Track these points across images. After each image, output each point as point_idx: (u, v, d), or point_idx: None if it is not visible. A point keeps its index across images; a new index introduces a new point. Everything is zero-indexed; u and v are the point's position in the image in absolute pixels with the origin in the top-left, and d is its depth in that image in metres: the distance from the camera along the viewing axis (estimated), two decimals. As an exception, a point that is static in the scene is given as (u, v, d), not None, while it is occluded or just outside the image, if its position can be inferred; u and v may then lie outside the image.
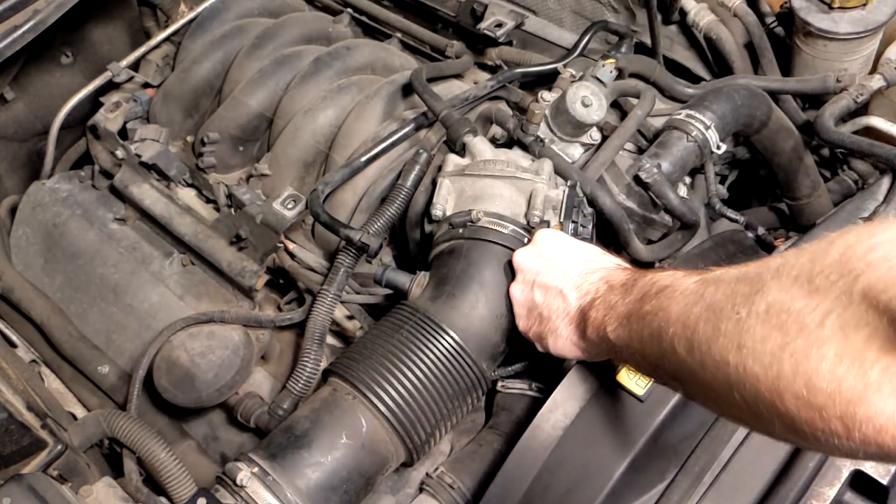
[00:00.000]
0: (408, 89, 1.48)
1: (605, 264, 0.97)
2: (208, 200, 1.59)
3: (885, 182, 1.28)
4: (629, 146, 1.35)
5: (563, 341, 0.97)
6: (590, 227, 1.19)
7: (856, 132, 1.42)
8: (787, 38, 1.54)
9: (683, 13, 1.59)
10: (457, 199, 1.21)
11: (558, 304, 0.97)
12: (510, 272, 1.09)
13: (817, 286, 0.56)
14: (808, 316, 0.56)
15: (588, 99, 1.24)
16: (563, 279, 0.97)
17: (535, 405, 1.17)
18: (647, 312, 0.75)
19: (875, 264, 0.53)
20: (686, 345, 0.67)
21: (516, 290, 1.06)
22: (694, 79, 1.56)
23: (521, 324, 1.06)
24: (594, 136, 1.30)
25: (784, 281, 0.58)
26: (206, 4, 1.77)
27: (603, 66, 1.33)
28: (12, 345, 1.44)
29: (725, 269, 0.68)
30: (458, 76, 1.62)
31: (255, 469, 0.97)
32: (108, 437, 1.23)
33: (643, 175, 1.22)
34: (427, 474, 1.18)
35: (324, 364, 1.25)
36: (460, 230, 1.16)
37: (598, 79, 1.30)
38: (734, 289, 0.63)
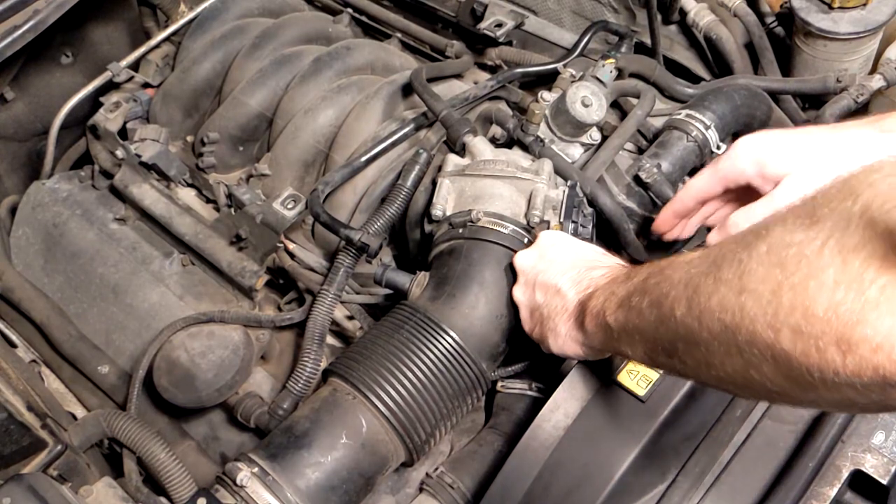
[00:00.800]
0: (408, 89, 1.48)
1: (607, 264, 0.96)
2: (208, 200, 1.59)
3: (885, 182, 1.27)
4: (629, 146, 1.35)
5: (562, 339, 0.97)
6: (590, 227, 1.19)
7: (856, 132, 1.42)
8: (787, 38, 1.54)
9: (683, 13, 1.59)
10: (457, 199, 1.21)
11: (557, 302, 0.97)
12: (510, 272, 1.09)
13: (818, 217, 0.54)
14: (807, 247, 0.54)
15: (588, 99, 1.24)
16: (562, 277, 0.97)
17: (536, 405, 1.17)
18: (649, 285, 0.74)
19: (876, 183, 0.51)
20: (686, 304, 0.66)
21: (518, 291, 1.05)
22: (694, 79, 1.56)
23: (527, 326, 1.05)
24: (594, 136, 1.30)
25: (788, 221, 0.57)
26: (206, 4, 1.77)
27: (603, 66, 1.33)
28: (12, 345, 1.43)
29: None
30: (458, 76, 1.62)
31: (255, 469, 0.97)
32: (108, 437, 1.23)
33: (643, 175, 1.23)
34: (427, 474, 1.18)
35: (324, 364, 1.25)
36: (460, 230, 1.16)
37: (598, 79, 1.30)
38: (739, 239, 0.62)
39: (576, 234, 1.14)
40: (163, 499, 1.16)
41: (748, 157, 0.95)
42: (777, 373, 0.58)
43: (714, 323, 0.62)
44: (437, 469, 1.18)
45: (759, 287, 0.57)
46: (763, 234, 0.59)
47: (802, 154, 0.91)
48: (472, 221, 1.15)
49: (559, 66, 1.47)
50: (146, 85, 1.72)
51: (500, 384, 1.24)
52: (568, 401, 1.00)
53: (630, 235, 1.23)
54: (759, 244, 0.59)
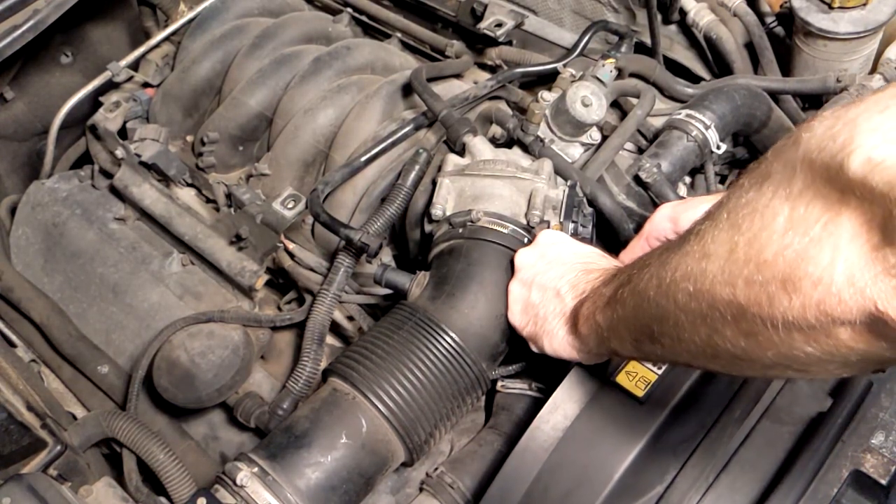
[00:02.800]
0: (408, 89, 1.48)
1: (603, 266, 0.97)
2: (208, 200, 1.59)
3: (885, 182, 1.27)
4: (629, 146, 1.35)
5: (559, 341, 0.97)
6: (590, 227, 1.19)
7: (856, 132, 1.41)
8: (787, 38, 1.54)
9: (683, 13, 1.58)
10: (457, 198, 1.21)
11: (554, 304, 0.98)
12: (510, 272, 1.09)
13: (769, 173, 0.56)
14: (759, 202, 0.56)
15: (588, 99, 1.24)
16: (560, 280, 0.98)
17: (535, 405, 1.17)
18: (632, 276, 0.77)
19: (813, 127, 0.53)
20: (656, 282, 0.69)
21: (514, 286, 1.06)
22: (694, 79, 1.56)
23: (515, 319, 1.06)
24: (594, 136, 1.30)
25: (744, 185, 0.59)
26: (205, 4, 1.77)
27: (603, 65, 1.33)
28: (12, 345, 1.44)
29: None
30: (457, 76, 1.62)
31: (255, 469, 0.97)
32: (107, 437, 1.24)
33: (643, 175, 1.22)
34: (427, 474, 1.18)
35: (324, 364, 1.25)
36: (460, 230, 1.16)
37: (598, 79, 1.30)
38: (705, 215, 0.64)
39: (576, 233, 1.14)
40: (162, 499, 1.16)
41: (665, 217, 1.02)
42: (737, 333, 0.60)
43: (680, 294, 0.64)
44: (437, 469, 1.18)
45: (719, 249, 0.59)
46: (723, 202, 0.61)
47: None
48: (471, 221, 1.15)
49: (559, 65, 1.47)
50: (146, 85, 1.73)
51: (499, 384, 1.24)
52: (567, 402, 1.00)
53: (630, 235, 1.23)
54: (719, 212, 0.61)
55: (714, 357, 0.67)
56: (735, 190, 0.60)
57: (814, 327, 0.53)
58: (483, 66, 1.69)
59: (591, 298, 0.89)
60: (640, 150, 1.34)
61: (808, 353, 0.56)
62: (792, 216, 0.53)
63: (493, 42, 1.65)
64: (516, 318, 1.06)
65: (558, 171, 1.23)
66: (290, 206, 1.41)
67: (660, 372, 0.96)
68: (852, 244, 0.50)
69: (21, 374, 1.26)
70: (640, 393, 0.96)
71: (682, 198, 1.26)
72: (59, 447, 1.13)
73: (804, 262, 0.51)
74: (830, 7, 1.37)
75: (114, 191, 1.62)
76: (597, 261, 1.00)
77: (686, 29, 1.61)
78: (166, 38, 1.76)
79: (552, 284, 0.98)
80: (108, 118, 1.62)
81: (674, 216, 1.01)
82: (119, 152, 1.59)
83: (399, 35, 1.80)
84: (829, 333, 0.53)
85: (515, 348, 1.14)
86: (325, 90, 1.52)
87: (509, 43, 1.69)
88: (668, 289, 0.67)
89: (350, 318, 1.38)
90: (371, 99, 1.48)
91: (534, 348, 1.04)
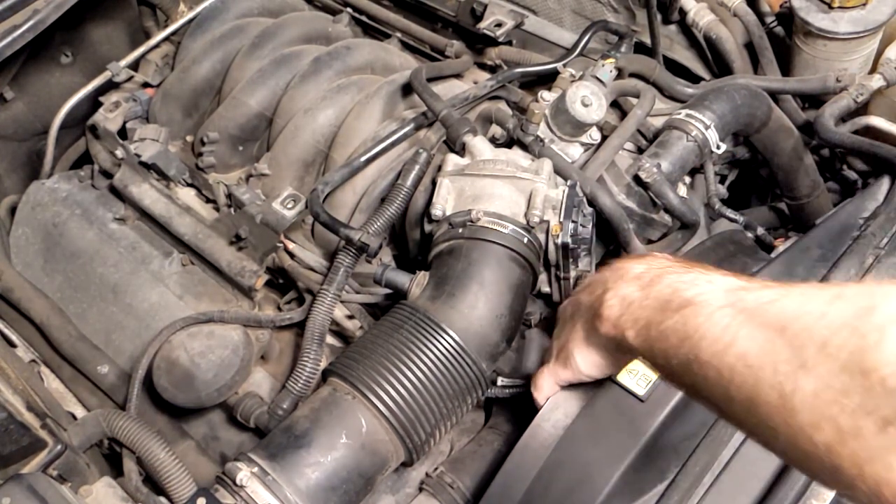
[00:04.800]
0: (407, 89, 1.48)
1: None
2: (208, 200, 1.59)
3: (885, 182, 1.28)
4: (629, 146, 1.35)
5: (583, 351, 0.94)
6: (589, 226, 1.19)
7: (856, 132, 1.42)
8: (786, 38, 1.54)
9: (683, 13, 1.59)
10: (456, 198, 1.21)
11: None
12: (510, 271, 1.09)
13: (871, 384, 0.53)
14: (863, 419, 0.53)
15: (588, 99, 1.24)
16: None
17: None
18: (669, 331, 0.71)
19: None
20: (723, 393, 0.65)
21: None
22: (694, 79, 1.56)
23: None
24: (594, 135, 1.30)
25: (832, 365, 0.55)
26: (205, 4, 1.77)
27: (603, 65, 1.33)
28: (12, 345, 1.43)
29: (755, 295, 0.65)
30: (457, 76, 1.62)
31: (255, 469, 0.97)
32: (107, 437, 1.23)
33: (643, 175, 1.22)
34: (427, 474, 1.18)
35: (323, 364, 1.25)
36: (460, 230, 1.16)
37: (597, 78, 1.30)
38: (773, 348, 0.60)
39: (575, 233, 1.14)
40: (162, 499, 1.16)
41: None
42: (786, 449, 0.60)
43: (759, 428, 0.62)
44: (436, 469, 1.18)
45: (810, 433, 0.57)
46: (803, 360, 0.58)
47: None
48: (471, 221, 1.15)
49: (559, 65, 1.47)
50: (146, 85, 1.73)
51: (500, 381, 1.24)
52: (567, 400, 1.01)
53: (630, 235, 1.23)
54: (802, 381, 0.57)
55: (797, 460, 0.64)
56: (821, 357, 0.57)
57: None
58: (483, 66, 1.69)
59: (613, 302, 0.84)
60: (640, 150, 1.34)
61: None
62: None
63: (493, 42, 1.65)
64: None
65: (558, 171, 1.23)
66: (289, 205, 1.41)
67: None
68: None
69: (21, 374, 1.25)
70: (641, 391, 0.96)
71: (683, 198, 1.26)
72: (59, 447, 1.13)
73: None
74: (830, 7, 1.38)
75: (114, 191, 1.62)
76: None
77: (686, 29, 1.61)
78: (166, 38, 1.76)
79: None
80: (108, 118, 1.62)
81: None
82: (119, 152, 1.59)
83: (399, 35, 1.80)
84: None
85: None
86: (325, 90, 1.52)
87: (509, 43, 1.69)
88: (743, 414, 0.64)
89: (350, 317, 1.38)
90: (371, 99, 1.48)
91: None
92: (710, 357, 0.65)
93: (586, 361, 0.94)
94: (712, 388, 0.66)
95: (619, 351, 0.87)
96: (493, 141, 1.36)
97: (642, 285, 0.80)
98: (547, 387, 1.02)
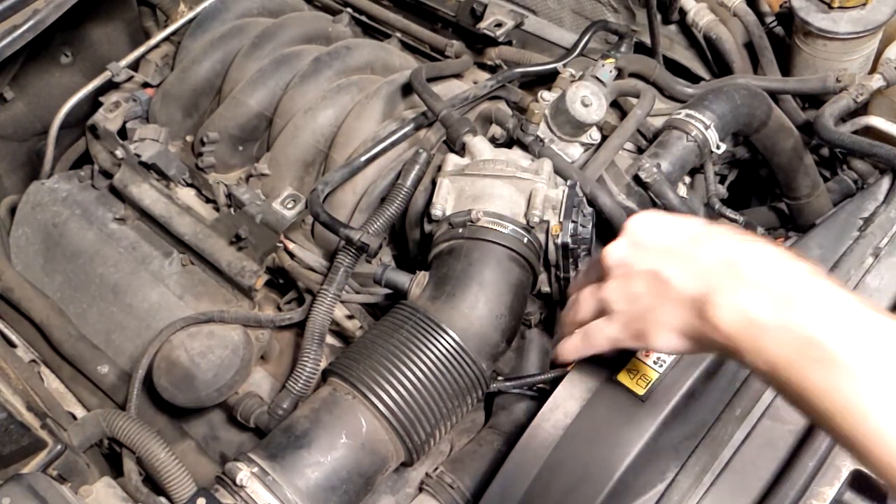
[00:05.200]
0: (407, 89, 1.48)
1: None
2: (208, 200, 1.59)
3: (885, 182, 1.27)
4: (629, 146, 1.35)
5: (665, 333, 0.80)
6: (589, 226, 1.19)
7: (855, 132, 1.42)
8: (786, 38, 1.54)
9: (683, 13, 1.59)
10: (456, 198, 1.21)
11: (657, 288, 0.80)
12: (510, 271, 1.09)
13: None
14: None
15: (588, 99, 1.24)
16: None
17: (536, 405, 1.17)
18: (811, 387, 0.65)
19: None
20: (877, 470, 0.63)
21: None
22: (694, 79, 1.56)
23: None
24: (594, 135, 1.30)
25: None
26: (205, 4, 1.77)
27: (602, 65, 1.33)
28: (12, 345, 1.43)
29: None
30: (457, 76, 1.62)
31: (255, 469, 0.97)
32: (107, 437, 1.23)
33: (643, 175, 1.22)
34: (427, 474, 1.18)
35: (323, 364, 1.25)
36: (460, 230, 1.16)
37: (597, 78, 1.30)
38: None
39: (575, 233, 1.15)
40: (162, 499, 1.16)
41: None
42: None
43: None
44: (436, 469, 1.18)
45: None
46: None
47: None
48: (471, 221, 1.15)
49: (559, 65, 1.47)
50: (146, 85, 1.73)
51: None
52: (568, 400, 1.00)
53: (630, 235, 1.23)
54: None
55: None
56: None
57: None
58: (483, 66, 1.69)
59: (726, 299, 0.73)
60: (640, 150, 1.34)
61: None
62: None
63: (493, 42, 1.65)
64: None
65: (558, 171, 1.23)
66: (289, 205, 1.41)
67: (661, 370, 0.97)
68: None
69: (21, 374, 1.25)
70: (641, 391, 0.96)
71: (682, 198, 1.26)
72: (59, 447, 1.13)
73: None
74: (830, 7, 1.38)
75: (114, 191, 1.62)
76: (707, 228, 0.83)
77: (686, 29, 1.61)
78: (166, 38, 1.77)
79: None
80: (107, 118, 1.62)
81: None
82: (119, 152, 1.59)
83: (399, 35, 1.80)
84: None
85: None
86: (325, 90, 1.52)
87: (509, 43, 1.69)
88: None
89: (350, 317, 1.38)
90: (371, 99, 1.48)
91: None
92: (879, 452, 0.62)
93: (670, 345, 0.80)
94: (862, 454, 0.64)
95: (717, 350, 0.76)
96: (493, 141, 1.36)
97: (774, 303, 0.68)
98: (591, 348, 0.88)
